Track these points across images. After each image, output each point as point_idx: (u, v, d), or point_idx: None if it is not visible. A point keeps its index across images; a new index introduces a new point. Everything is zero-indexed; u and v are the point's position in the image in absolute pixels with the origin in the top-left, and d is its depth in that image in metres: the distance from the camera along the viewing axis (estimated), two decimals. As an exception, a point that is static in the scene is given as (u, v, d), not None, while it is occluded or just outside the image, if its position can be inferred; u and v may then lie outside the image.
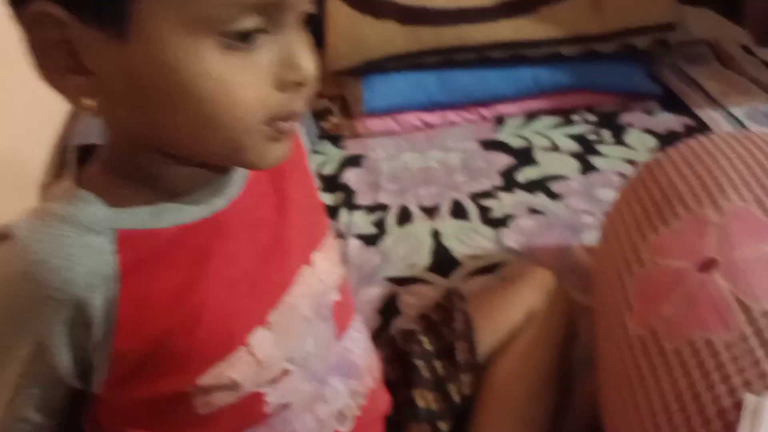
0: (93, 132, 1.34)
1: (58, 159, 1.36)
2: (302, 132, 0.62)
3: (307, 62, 0.41)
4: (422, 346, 0.71)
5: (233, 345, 0.48)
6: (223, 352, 0.47)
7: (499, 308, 0.74)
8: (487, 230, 1.05)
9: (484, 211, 1.10)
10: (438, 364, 0.70)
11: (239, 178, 0.50)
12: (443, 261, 1.00)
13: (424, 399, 0.67)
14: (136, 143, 0.44)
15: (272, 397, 0.50)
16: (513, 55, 1.35)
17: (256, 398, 0.50)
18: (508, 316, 0.73)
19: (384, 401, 0.65)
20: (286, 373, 0.51)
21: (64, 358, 0.44)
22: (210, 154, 0.44)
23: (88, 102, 0.41)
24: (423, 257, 1.01)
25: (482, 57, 1.36)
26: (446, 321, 0.73)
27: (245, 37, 0.39)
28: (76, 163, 0.47)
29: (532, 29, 1.32)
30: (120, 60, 0.39)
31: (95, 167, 0.47)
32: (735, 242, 0.61)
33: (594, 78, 1.36)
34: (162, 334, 0.45)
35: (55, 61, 0.40)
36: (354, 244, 1.05)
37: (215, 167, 0.47)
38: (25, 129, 1.28)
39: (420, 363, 0.69)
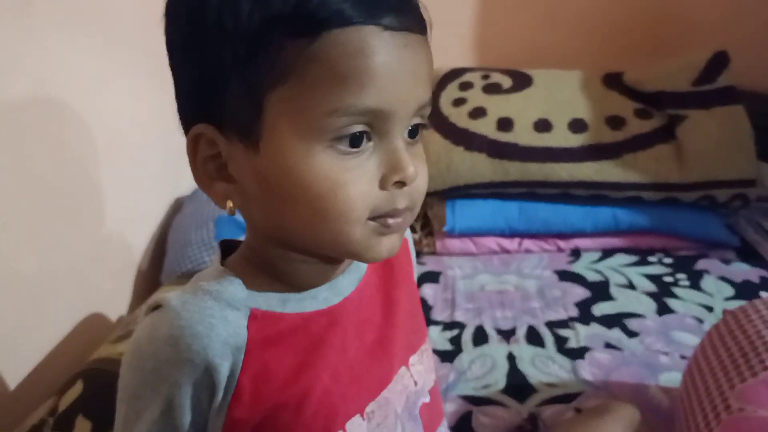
0: (188, 225, 1.44)
1: (156, 246, 1.47)
2: (412, 248, 0.69)
3: (407, 165, 0.47)
4: (505, 467, 0.73)
5: (333, 429, 0.53)
6: None
7: (585, 437, 0.76)
8: (564, 360, 1.07)
9: (560, 341, 1.13)
10: (519, 485, 0.72)
11: (353, 280, 0.57)
12: (519, 385, 1.01)
13: None
14: (269, 239, 0.52)
15: None
16: (594, 194, 1.41)
17: None
18: (593, 447, 0.75)
19: None
20: None
21: (186, 419, 0.49)
22: (324, 245, 0.50)
23: (230, 204, 0.51)
24: (498, 379, 1.03)
25: (564, 193, 1.43)
26: (528, 443, 0.75)
27: (352, 143, 0.46)
28: (220, 253, 0.56)
29: (614, 173, 1.39)
30: (255, 168, 0.48)
31: (237, 257, 0.55)
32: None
33: (672, 223, 1.40)
34: (273, 408, 0.50)
35: (209, 171, 0.50)
36: (430, 358, 1.09)
37: (332, 265, 0.54)
38: (133, 218, 1.39)
39: (502, 482, 0.71)
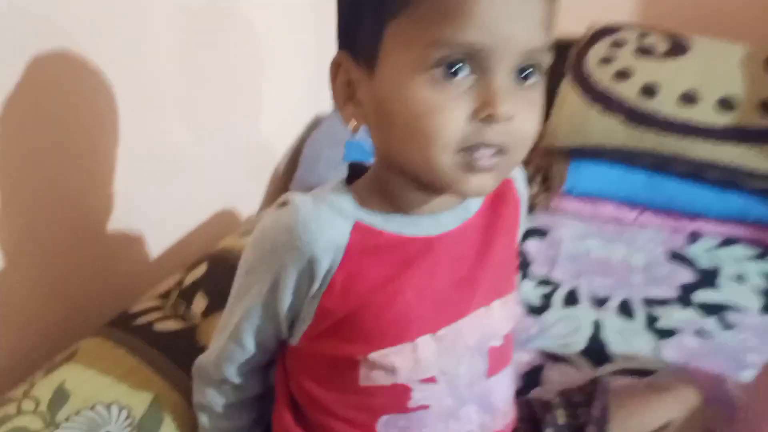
0: (322, 142, 1.55)
1: (293, 156, 1.59)
2: (524, 207, 0.73)
3: (499, 102, 0.49)
4: (555, 419, 0.79)
5: (404, 338, 0.60)
6: (394, 339, 0.60)
7: (639, 410, 0.79)
8: (649, 337, 1.08)
9: (651, 319, 1.13)
10: (565, 439, 0.77)
11: (458, 218, 0.63)
12: (596, 351, 1.05)
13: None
14: (384, 162, 0.60)
15: (417, 394, 0.62)
16: (728, 179, 1.36)
17: (404, 390, 0.61)
18: (645, 420, 0.78)
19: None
20: (434, 380, 0.62)
21: (286, 300, 0.60)
22: (418, 170, 0.54)
23: (353, 123, 0.58)
24: (578, 342, 1.07)
25: (696, 172, 1.38)
26: (585, 404, 0.79)
27: (450, 74, 0.50)
28: (347, 171, 0.64)
29: (755, 160, 1.32)
30: (372, 91, 0.55)
31: (363, 177, 0.63)
32: None
33: (807, 224, 1.32)
34: (358, 307, 0.59)
35: (343, 94, 0.58)
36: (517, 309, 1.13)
37: (435, 195, 0.59)
38: (278, 126, 1.52)
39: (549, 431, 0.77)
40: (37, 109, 0.83)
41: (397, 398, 0.62)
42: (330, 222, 0.57)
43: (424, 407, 0.63)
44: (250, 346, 0.65)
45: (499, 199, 0.67)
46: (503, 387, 0.70)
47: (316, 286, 0.58)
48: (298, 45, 1.51)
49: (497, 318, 0.66)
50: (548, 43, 0.53)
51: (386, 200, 0.60)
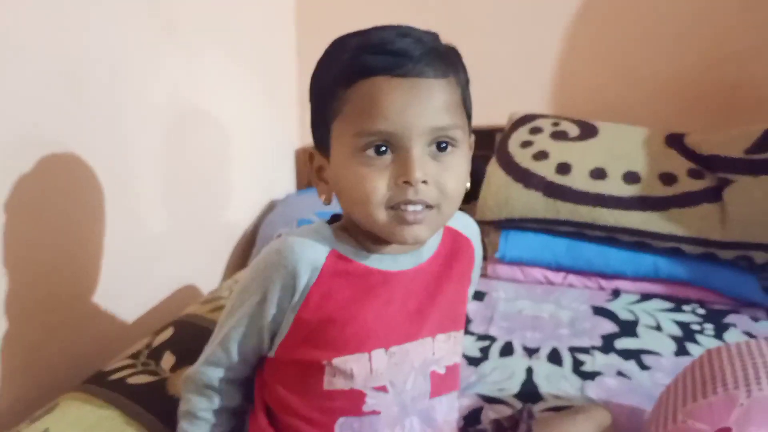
0: (276, 222, 1.70)
1: (250, 236, 1.71)
2: (478, 264, 0.87)
3: (411, 170, 0.65)
4: (488, 442, 0.90)
5: (361, 348, 0.73)
6: (354, 349, 0.73)
7: (558, 428, 0.91)
8: (575, 379, 1.21)
9: (577, 364, 1.26)
10: (496, 458, 0.88)
11: (414, 261, 0.77)
12: (529, 393, 1.16)
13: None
14: (347, 217, 0.75)
15: (370, 400, 0.74)
16: (638, 241, 1.54)
17: (359, 395, 0.73)
18: (564, 436, 0.90)
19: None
20: (384, 389, 0.75)
21: (271, 311, 0.73)
22: (366, 225, 0.70)
23: (323, 197, 0.75)
24: (513, 386, 1.18)
25: (610, 236, 1.56)
26: (513, 428, 0.91)
27: (378, 154, 0.66)
28: (329, 219, 0.79)
29: (659, 224, 1.51)
30: (330, 172, 0.72)
31: (339, 222, 0.78)
32: (752, 421, 0.76)
33: (709, 278, 1.50)
34: (326, 320, 0.72)
35: (316, 176, 0.76)
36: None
37: (386, 243, 0.74)
38: (236, 210, 1.65)
39: (483, 453, 0.88)
40: (35, 202, 0.97)
41: (353, 402, 0.74)
42: (311, 246, 0.72)
43: (376, 413, 0.74)
44: (234, 354, 0.77)
45: (456, 254, 0.82)
46: (444, 409, 0.82)
47: (296, 298, 0.72)
48: (250, 137, 1.66)
49: (438, 348, 0.79)
50: (456, 122, 0.69)
51: (356, 240, 0.75)
